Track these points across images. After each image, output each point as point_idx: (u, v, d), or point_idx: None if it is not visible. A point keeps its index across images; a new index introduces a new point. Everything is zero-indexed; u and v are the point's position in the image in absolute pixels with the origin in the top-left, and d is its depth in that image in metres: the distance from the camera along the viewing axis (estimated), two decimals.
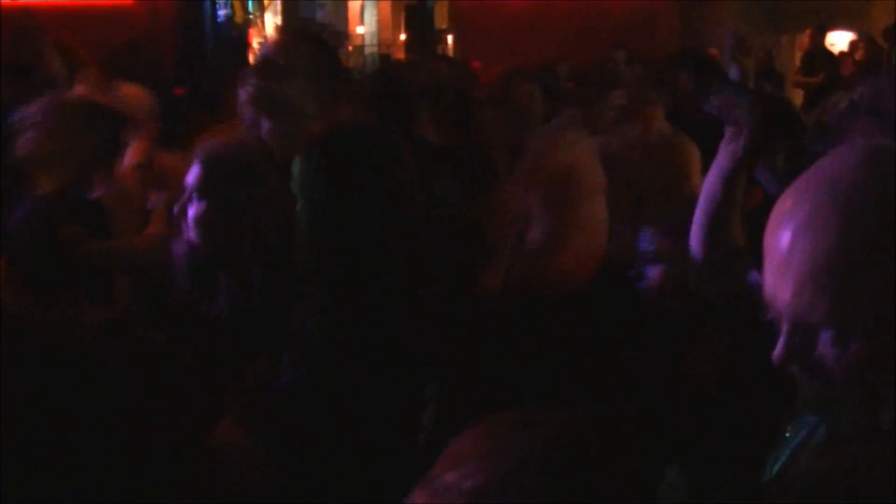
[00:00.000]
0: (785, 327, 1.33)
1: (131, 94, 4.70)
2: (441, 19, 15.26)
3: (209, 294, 2.45)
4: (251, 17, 13.66)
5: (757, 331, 2.07)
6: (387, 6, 15.33)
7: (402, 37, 15.10)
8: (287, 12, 14.35)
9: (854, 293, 1.27)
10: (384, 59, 13.32)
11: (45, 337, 2.08)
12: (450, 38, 14.95)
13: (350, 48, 14.42)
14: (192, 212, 2.58)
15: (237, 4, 12.62)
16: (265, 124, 3.02)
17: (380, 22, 15.05)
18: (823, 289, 1.28)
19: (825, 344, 1.31)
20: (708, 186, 2.00)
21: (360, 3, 15.20)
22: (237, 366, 2.21)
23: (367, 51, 14.40)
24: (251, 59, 12.15)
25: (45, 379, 1.96)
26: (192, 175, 2.62)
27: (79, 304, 2.28)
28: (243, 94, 3.07)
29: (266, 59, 3.15)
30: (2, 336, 1.99)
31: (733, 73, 10.25)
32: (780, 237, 1.32)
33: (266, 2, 13.91)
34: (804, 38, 13.26)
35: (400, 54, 14.31)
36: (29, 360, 1.99)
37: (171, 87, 8.71)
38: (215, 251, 2.50)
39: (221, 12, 12.06)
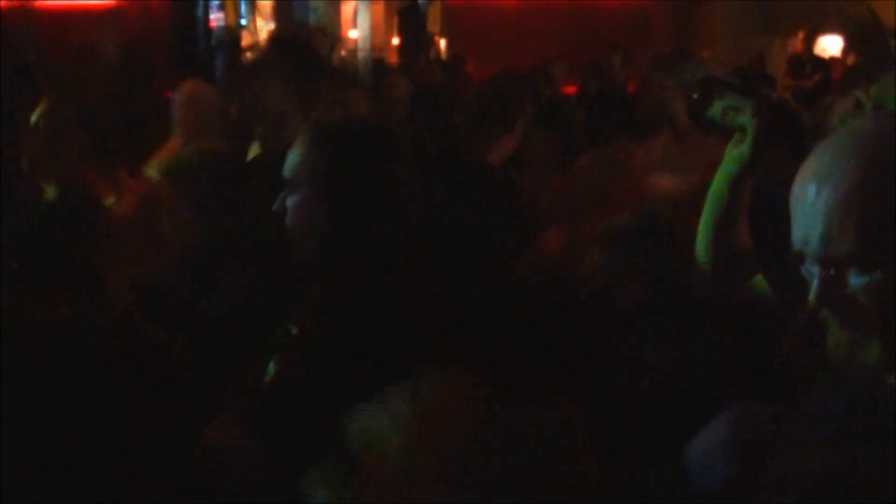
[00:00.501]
0: (818, 272, 1.43)
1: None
2: (434, 22, 15.26)
3: (209, 294, 2.45)
4: (243, 20, 13.65)
5: (758, 332, 2.08)
6: (379, 10, 15.32)
7: (395, 40, 15.10)
8: (279, 16, 14.34)
9: (877, 222, 1.39)
10: (377, 62, 13.32)
11: (45, 337, 2.08)
12: (443, 42, 14.96)
13: (343, 52, 14.39)
14: (187, 211, 2.58)
15: (229, 6, 12.61)
16: (253, 128, 3.06)
17: (372, 26, 15.03)
18: (849, 221, 1.39)
19: (854, 280, 1.41)
20: (713, 190, 2.01)
21: (352, 6, 15.19)
22: (237, 366, 2.21)
23: (360, 55, 14.39)
24: (242, 62, 12.16)
25: (45, 379, 1.96)
26: (185, 176, 2.63)
27: (79, 304, 2.27)
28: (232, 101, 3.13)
29: (245, 67, 3.21)
30: (2, 336, 1.98)
31: None
32: (806, 190, 1.44)
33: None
34: (796, 42, 13.29)
35: (393, 58, 14.31)
36: (29, 360, 1.99)
37: (164, 89, 8.69)
38: (214, 250, 2.50)
39: (214, 16, 12.04)
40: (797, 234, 1.46)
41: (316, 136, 2.19)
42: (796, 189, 1.47)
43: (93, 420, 1.92)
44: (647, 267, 2.46)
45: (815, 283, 1.44)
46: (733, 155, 1.96)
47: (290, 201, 2.16)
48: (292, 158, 2.17)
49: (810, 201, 1.43)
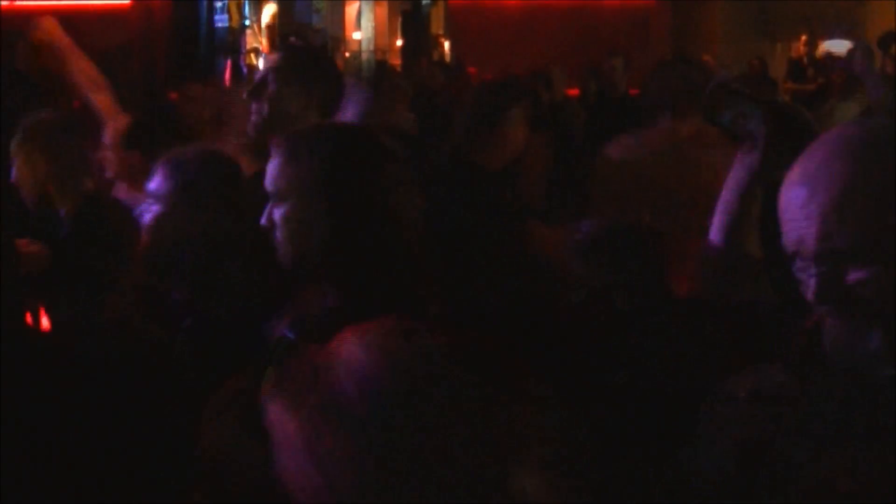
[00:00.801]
0: (815, 269, 1.44)
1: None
2: (437, 24, 15.29)
3: (209, 294, 2.45)
4: (247, 21, 13.66)
5: (758, 332, 2.08)
6: (382, 11, 15.36)
7: (399, 42, 15.13)
8: (282, 18, 14.36)
9: (875, 217, 1.40)
10: (380, 64, 13.34)
11: (47, 337, 2.10)
12: (446, 44, 14.99)
13: (346, 54, 14.43)
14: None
15: (233, 6, 12.62)
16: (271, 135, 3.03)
17: (376, 27, 15.06)
18: (847, 218, 1.41)
19: (853, 276, 1.42)
20: (724, 197, 2.03)
21: (356, 8, 15.21)
22: (237, 366, 2.20)
23: (364, 56, 14.41)
24: (243, 64, 12.17)
25: (47, 378, 1.96)
26: (160, 180, 2.63)
27: (79, 305, 2.28)
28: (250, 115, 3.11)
29: (264, 79, 3.16)
30: (2, 336, 1.99)
31: None
32: (798, 193, 1.45)
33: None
34: (798, 45, 13.32)
35: (396, 60, 14.33)
36: (30, 360, 2.00)
37: (166, 90, 8.71)
38: (214, 251, 2.50)
39: (218, 17, 12.05)
40: (791, 235, 1.48)
41: (308, 143, 2.17)
42: (787, 192, 1.49)
43: (93, 420, 1.93)
44: (637, 272, 2.46)
45: (812, 281, 1.45)
46: (744, 162, 1.97)
47: (277, 213, 2.11)
48: (275, 170, 2.12)
49: (803, 202, 1.45)
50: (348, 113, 3.62)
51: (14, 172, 3.55)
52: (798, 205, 1.45)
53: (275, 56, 3.42)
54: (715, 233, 2.03)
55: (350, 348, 1.21)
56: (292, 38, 9.71)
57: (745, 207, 1.99)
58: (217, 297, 2.43)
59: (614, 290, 2.39)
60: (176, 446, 1.85)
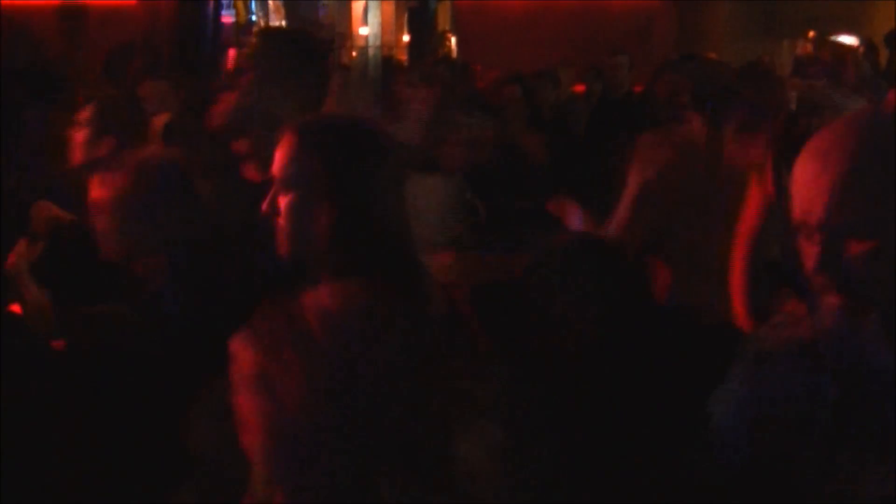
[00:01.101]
0: (819, 241, 1.49)
1: (156, 90, 4.71)
2: (444, 21, 15.28)
3: (204, 293, 2.45)
4: (253, 17, 13.67)
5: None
6: (389, 7, 15.33)
7: (405, 38, 15.11)
8: (289, 14, 14.36)
9: (879, 202, 1.45)
10: (386, 60, 13.32)
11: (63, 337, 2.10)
12: (453, 40, 14.98)
13: (354, 53, 14.41)
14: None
15: (239, 5, 12.63)
16: (249, 137, 3.00)
17: (382, 23, 15.04)
18: (853, 195, 1.46)
19: (854, 251, 1.47)
20: (745, 212, 2.05)
21: (362, 4, 15.20)
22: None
23: (370, 52, 14.40)
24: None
25: (43, 376, 1.97)
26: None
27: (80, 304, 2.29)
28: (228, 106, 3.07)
29: (244, 70, 3.11)
30: (3, 336, 2.00)
31: None
32: (809, 168, 1.51)
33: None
34: (805, 44, 13.31)
35: (402, 56, 14.32)
36: (26, 357, 2.01)
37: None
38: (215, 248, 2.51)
39: (225, 12, 12.04)
40: (800, 205, 1.52)
41: (318, 136, 2.17)
42: (800, 166, 1.54)
43: (87, 419, 1.94)
44: (614, 285, 2.45)
45: (814, 251, 1.49)
46: (759, 181, 2.00)
47: (283, 201, 2.13)
48: (283, 158, 2.14)
49: (814, 175, 1.50)
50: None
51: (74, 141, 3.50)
52: (809, 177, 1.50)
53: (255, 45, 3.29)
54: (740, 244, 2.07)
55: (319, 295, 1.26)
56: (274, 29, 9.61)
57: (766, 220, 2.03)
58: (213, 296, 2.44)
59: (592, 301, 2.40)
60: (169, 445, 1.86)
